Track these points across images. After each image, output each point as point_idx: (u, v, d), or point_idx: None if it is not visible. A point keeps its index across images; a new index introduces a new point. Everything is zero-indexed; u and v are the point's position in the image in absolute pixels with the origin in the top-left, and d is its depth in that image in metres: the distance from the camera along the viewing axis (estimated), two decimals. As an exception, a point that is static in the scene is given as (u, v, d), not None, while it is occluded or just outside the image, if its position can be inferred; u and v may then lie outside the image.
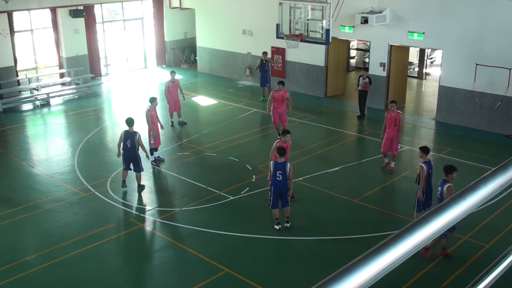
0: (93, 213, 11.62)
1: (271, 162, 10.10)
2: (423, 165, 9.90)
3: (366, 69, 17.77)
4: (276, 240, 10.36)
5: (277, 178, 9.94)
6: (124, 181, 12.45)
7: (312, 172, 13.24)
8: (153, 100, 13.80)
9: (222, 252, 10.00)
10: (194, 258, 9.70)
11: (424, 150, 10.25)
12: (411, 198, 12.04)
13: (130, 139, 12.07)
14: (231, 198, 11.96)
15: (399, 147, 13.23)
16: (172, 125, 16.88)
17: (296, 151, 14.66)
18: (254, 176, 12.93)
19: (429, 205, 10.03)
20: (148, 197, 12.36)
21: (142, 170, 12.36)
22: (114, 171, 13.51)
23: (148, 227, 10.91)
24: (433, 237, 1.58)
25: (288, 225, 10.59)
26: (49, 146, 16.11)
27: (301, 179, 12.82)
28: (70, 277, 9.23)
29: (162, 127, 14.08)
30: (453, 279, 8.88)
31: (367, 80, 17.05)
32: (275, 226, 10.49)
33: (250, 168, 13.51)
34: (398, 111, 12.99)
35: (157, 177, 13.45)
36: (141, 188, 12.40)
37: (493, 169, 1.83)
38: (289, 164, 10.02)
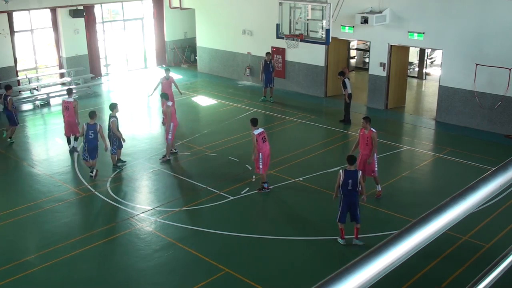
0: (93, 213, 11.62)
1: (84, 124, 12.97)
2: (340, 172, 9.88)
3: (341, 74, 16.83)
4: (276, 240, 10.36)
5: (89, 137, 12.77)
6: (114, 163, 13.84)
7: (312, 172, 13.24)
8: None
9: (222, 252, 10.00)
10: (194, 258, 9.70)
11: (348, 159, 10.00)
12: (411, 199, 12.08)
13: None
14: (231, 198, 11.96)
15: (376, 168, 11.61)
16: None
17: (296, 151, 14.69)
18: (254, 176, 12.92)
19: (355, 219, 9.93)
20: (148, 197, 12.37)
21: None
22: (114, 171, 13.53)
23: (148, 227, 10.90)
24: (433, 237, 1.58)
25: (92, 174, 12.97)
26: (49, 146, 16.11)
27: (301, 179, 12.83)
28: (70, 277, 9.23)
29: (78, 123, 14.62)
30: (453, 279, 8.89)
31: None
32: (90, 173, 13.01)
33: (250, 168, 13.50)
34: (372, 129, 11.65)
35: (157, 177, 13.44)
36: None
37: (493, 169, 1.83)
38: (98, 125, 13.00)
